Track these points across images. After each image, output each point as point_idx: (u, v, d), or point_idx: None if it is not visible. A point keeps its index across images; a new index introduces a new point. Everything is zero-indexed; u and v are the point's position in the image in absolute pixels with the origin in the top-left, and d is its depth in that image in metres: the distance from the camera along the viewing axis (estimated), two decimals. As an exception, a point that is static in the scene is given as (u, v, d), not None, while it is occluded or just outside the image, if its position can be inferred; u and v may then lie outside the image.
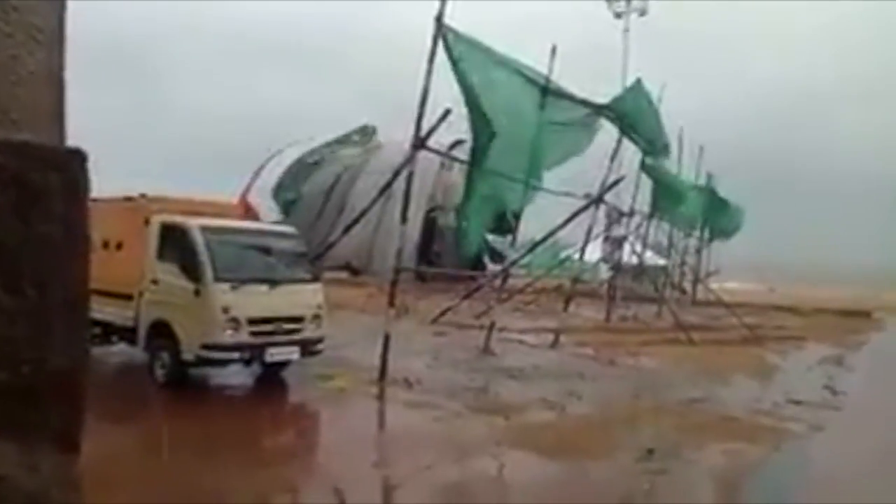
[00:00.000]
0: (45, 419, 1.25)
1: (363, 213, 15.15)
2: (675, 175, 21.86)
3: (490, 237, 31.45)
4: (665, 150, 18.84)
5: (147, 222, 9.29)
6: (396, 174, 13.80)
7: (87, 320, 1.31)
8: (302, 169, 30.35)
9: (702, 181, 24.84)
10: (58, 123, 1.37)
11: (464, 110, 11.65)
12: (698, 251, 28.09)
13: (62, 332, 1.26)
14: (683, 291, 26.89)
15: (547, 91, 13.45)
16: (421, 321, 15.79)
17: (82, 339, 1.30)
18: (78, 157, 1.29)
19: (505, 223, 16.65)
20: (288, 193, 29.24)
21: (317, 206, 28.53)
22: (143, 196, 9.75)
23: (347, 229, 15.08)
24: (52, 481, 1.26)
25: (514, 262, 17.36)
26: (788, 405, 10.06)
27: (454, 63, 10.76)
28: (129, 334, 9.30)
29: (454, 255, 29.10)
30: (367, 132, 32.53)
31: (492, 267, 27.48)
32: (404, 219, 10.95)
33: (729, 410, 9.58)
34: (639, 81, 16.85)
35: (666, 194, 21.08)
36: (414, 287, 21.69)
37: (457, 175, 29.07)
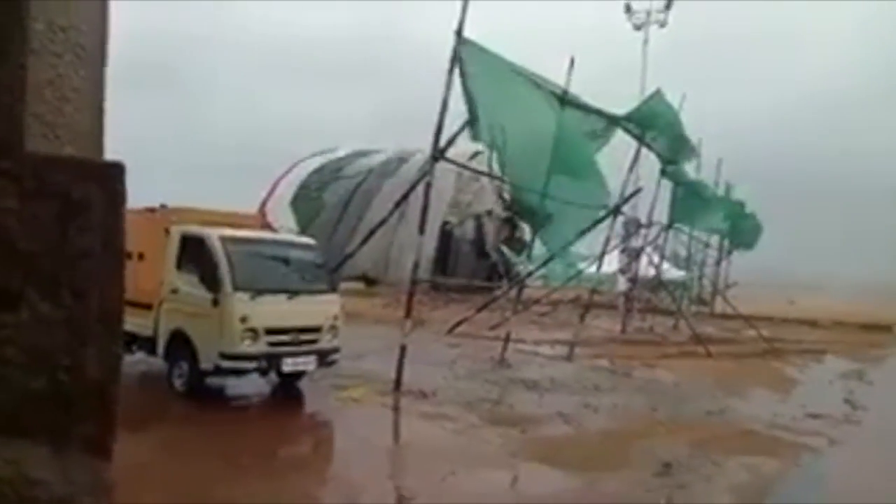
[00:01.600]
0: (79, 426, 1.29)
1: (381, 224, 15.21)
2: (704, 184, 21.73)
3: (506, 249, 31.53)
4: (691, 151, 18.74)
5: (167, 233, 9.41)
6: (414, 186, 13.88)
7: (121, 330, 1.35)
8: (321, 180, 30.51)
9: (721, 192, 24.69)
10: (99, 138, 1.43)
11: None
12: (717, 263, 27.87)
13: (97, 342, 1.30)
14: (705, 303, 26.66)
15: (565, 102, 13.49)
16: (436, 332, 15.80)
17: (116, 348, 1.34)
18: (117, 169, 1.33)
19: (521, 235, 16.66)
20: (306, 204, 29.40)
21: (335, 216, 28.68)
22: (163, 206, 9.89)
23: (365, 240, 15.14)
24: (85, 487, 1.29)
25: (530, 274, 17.34)
26: (807, 419, 9.95)
27: (463, 77, 10.79)
28: (148, 343, 9.40)
29: (470, 267, 29.17)
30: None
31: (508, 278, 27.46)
32: (422, 230, 11.00)
33: (747, 424, 9.49)
34: (658, 91, 16.85)
35: (686, 203, 20.90)
36: (429, 298, 21.76)
37: (478, 186, 29.20)
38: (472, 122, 11.22)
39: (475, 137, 11.35)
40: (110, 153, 1.49)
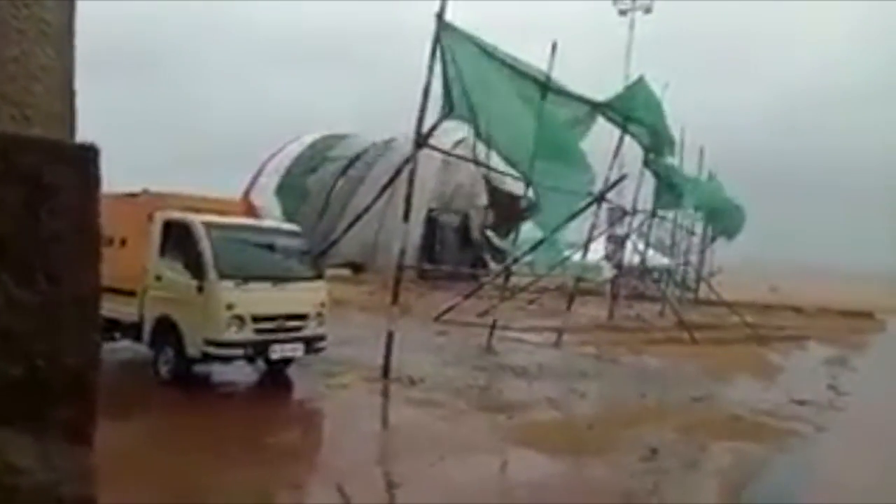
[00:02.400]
0: (59, 413, 1.25)
1: (366, 211, 15.15)
2: (679, 170, 21.80)
3: (492, 235, 31.53)
4: (670, 145, 18.78)
5: (150, 218, 9.29)
6: (398, 172, 13.81)
7: (99, 316, 1.31)
8: (305, 166, 30.26)
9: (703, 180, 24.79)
10: (69, 119, 1.37)
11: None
12: (701, 250, 28.06)
13: (75, 328, 1.26)
14: (690, 289, 26.84)
15: (547, 88, 13.43)
16: (423, 319, 15.79)
17: (94, 334, 1.30)
18: (90, 152, 1.28)
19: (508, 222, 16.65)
20: (291, 191, 29.18)
21: (320, 203, 28.49)
22: (145, 192, 9.76)
23: (350, 226, 15.09)
24: (66, 474, 1.26)
25: (516, 261, 17.35)
26: (792, 405, 10.05)
27: (444, 62, 10.69)
28: (132, 330, 9.31)
29: (455, 254, 29.16)
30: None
31: (494, 265, 27.49)
32: (407, 217, 10.95)
33: (732, 410, 9.56)
34: (641, 78, 16.81)
35: (669, 189, 21.03)
36: (416, 285, 21.73)
37: (463, 175, 29.10)
38: (449, 109, 11.16)
39: (449, 115, 11.21)
40: (99, 142, 1.43)
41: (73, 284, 1.25)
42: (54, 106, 1.32)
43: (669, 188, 20.92)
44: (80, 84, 1.43)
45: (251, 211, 12.42)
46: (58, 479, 1.26)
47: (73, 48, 1.39)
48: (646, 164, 19.03)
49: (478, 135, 12.64)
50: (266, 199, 27.00)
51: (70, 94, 1.38)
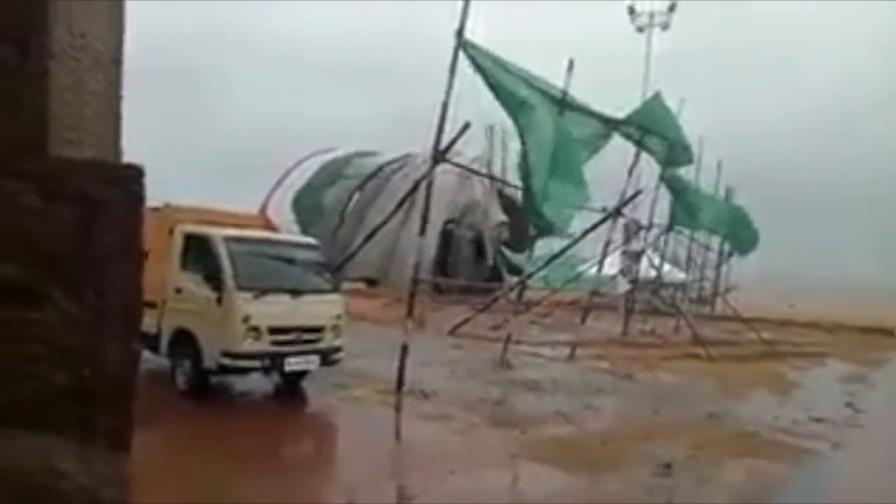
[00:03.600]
0: (101, 420, 1.33)
1: (383, 224, 15.26)
2: (696, 186, 21.75)
3: (507, 251, 31.54)
4: (688, 154, 18.73)
5: (171, 232, 9.45)
6: (415, 187, 13.93)
7: (139, 327, 1.39)
8: (322, 181, 30.46)
9: (721, 196, 24.69)
10: (115, 141, 1.47)
11: (484, 124, 11.81)
12: (717, 266, 27.87)
13: (118, 338, 1.34)
14: (706, 305, 26.66)
15: (564, 105, 13.52)
16: (437, 333, 15.84)
17: (134, 344, 1.38)
18: (135, 172, 1.37)
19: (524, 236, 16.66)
20: (308, 205, 29.37)
21: (337, 218, 28.69)
22: (167, 206, 9.94)
23: (367, 240, 15.21)
24: (106, 479, 1.33)
25: (530, 275, 17.37)
26: (809, 422, 9.96)
27: (482, 72, 10.85)
28: (151, 341, 9.43)
29: (470, 268, 29.20)
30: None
31: (509, 279, 27.47)
32: (423, 231, 11.04)
33: (748, 427, 9.50)
34: (658, 94, 16.89)
35: (686, 205, 20.96)
36: (430, 299, 21.77)
37: (478, 191, 29.23)
38: (467, 124, 11.28)
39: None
40: (127, 156, 1.53)
41: (119, 298, 1.34)
42: (103, 129, 1.41)
43: (685, 205, 20.86)
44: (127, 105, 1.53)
45: (269, 225, 12.56)
46: (98, 484, 1.33)
47: (121, 74, 1.49)
48: (662, 178, 19.02)
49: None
50: (282, 213, 27.16)
51: (116, 118, 1.48)
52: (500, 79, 11.36)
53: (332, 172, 30.86)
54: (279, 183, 30.77)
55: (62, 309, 1.26)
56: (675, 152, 17.84)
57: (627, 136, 15.85)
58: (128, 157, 1.49)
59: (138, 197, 1.37)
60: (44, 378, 1.24)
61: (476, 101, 11.49)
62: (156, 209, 9.84)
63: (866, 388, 13.69)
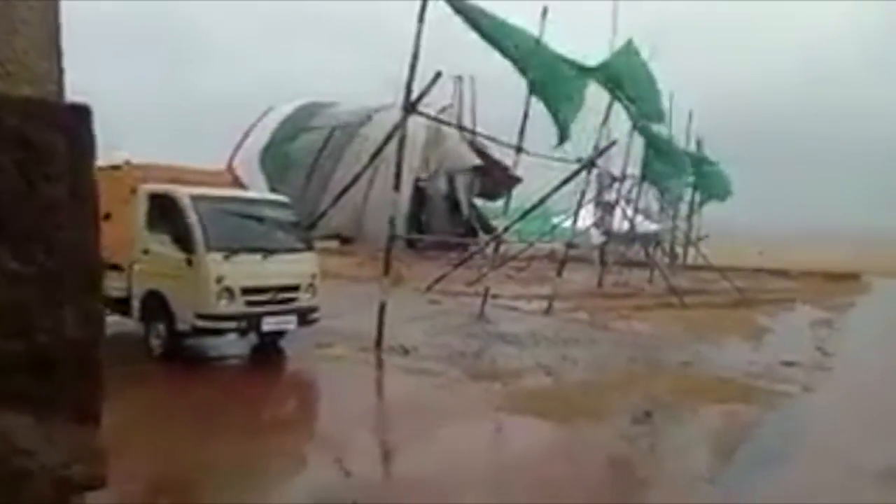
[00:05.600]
0: (62, 391, 1.19)
1: (354, 181, 14.99)
2: (668, 138, 21.76)
3: (481, 203, 31.40)
4: (659, 114, 18.71)
5: (133, 191, 9.12)
6: (387, 139, 13.64)
7: (101, 288, 1.24)
8: (287, 134, 29.65)
9: (692, 146, 24.77)
10: (57, 77, 1.27)
11: (454, 73, 11.62)
12: (689, 216, 28.13)
13: (75, 300, 1.19)
14: (675, 256, 26.99)
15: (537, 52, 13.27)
16: (414, 289, 15.77)
17: (97, 307, 1.23)
18: (83, 113, 1.19)
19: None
20: (275, 157, 28.63)
21: (304, 173, 28.10)
22: (127, 163, 9.55)
23: (338, 197, 14.93)
24: (74, 455, 1.20)
25: (506, 229, 17.30)
26: (781, 367, 10.17)
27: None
28: (121, 305, 9.19)
29: (444, 223, 29.02)
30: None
31: (483, 234, 27.42)
32: (397, 186, 10.84)
33: (723, 372, 9.66)
34: (630, 42, 16.64)
35: (658, 157, 21.01)
36: (405, 255, 21.66)
37: (450, 142, 28.82)
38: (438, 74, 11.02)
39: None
40: (110, 111, 1.34)
41: (71, 254, 1.18)
42: (40, 63, 1.22)
43: (657, 156, 20.89)
44: (95, 62, 1.33)
45: (237, 181, 12.22)
46: (64, 461, 1.20)
47: (58, 2, 1.29)
48: (635, 128, 18.94)
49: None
50: (249, 169, 26.52)
51: (57, 52, 1.28)
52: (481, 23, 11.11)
53: (295, 125, 30.00)
54: (245, 137, 30.00)
55: (6, 268, 1.10)
56: (646, 105, 17.74)
57: (602, 85, 15.64)
58: (101, 114, 1.29)
59: (88, 143, 1.19)
60: (-9, 347, 1.09)
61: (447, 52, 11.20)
62: (115, 167, 9.45)
63: (834, 332, 14.02)
